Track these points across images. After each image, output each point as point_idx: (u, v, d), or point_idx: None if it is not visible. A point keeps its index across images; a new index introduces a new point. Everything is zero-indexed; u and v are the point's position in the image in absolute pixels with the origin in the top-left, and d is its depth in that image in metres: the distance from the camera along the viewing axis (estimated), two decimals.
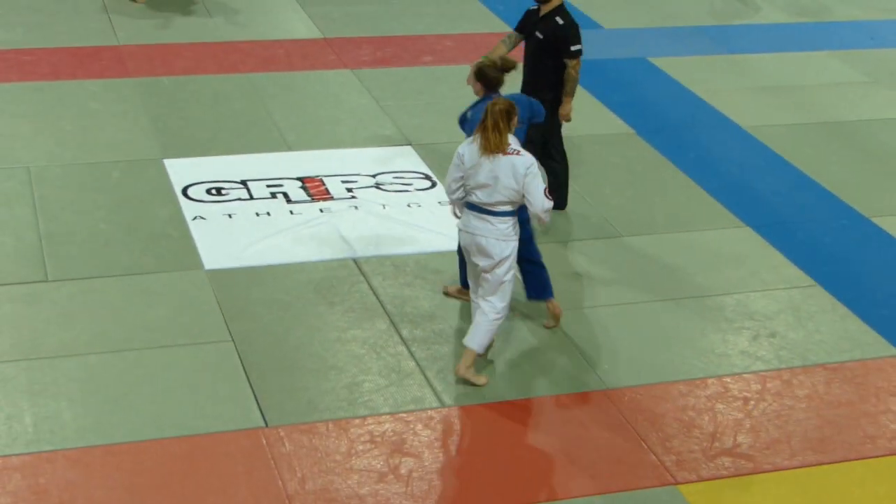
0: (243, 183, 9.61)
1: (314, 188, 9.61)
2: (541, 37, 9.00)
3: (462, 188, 7.25)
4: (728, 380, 7.64)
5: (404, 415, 7.10)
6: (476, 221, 7.23)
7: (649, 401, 7.37)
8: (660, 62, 12.71)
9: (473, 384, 7.39)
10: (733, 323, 8.25)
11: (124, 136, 10.25)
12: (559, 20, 8.97)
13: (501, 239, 7.22)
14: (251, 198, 9.41)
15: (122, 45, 12.17)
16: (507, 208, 7.19)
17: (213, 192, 9.45)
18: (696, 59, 12.93)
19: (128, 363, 7.37)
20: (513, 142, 7.20)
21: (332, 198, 9.50)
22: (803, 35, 13.94)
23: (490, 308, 7.32)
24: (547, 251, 8.85)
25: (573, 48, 8.96)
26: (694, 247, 9.18)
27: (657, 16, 14.18)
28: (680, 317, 8.27)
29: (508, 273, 7.30)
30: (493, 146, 7.07)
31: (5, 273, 8.19)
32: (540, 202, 7.09)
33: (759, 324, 8.25)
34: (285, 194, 9.50)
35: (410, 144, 10.41)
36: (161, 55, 11.98)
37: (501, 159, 7.08)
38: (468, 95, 9.82)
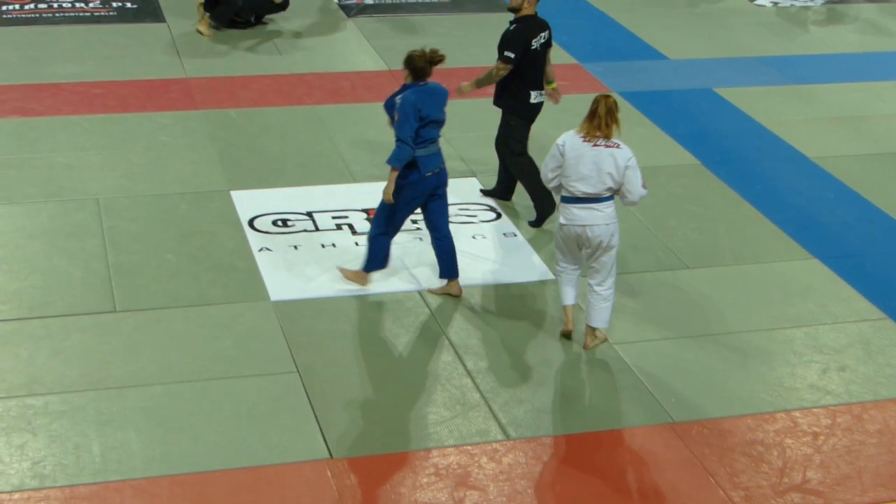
0: (309, 214, 9.66)
1: None
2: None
3: (558, 178, 7.74)
4: (797, 414, 7.53)
5: (469, 447, 7.08)
6: (581, 212, 7.70)
7: (717, 435, 7.29)
8: (725, 93, 12.63)
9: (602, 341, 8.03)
10: (802, 356, 8.14)
11: (192, 168, 10.35)
12: (511, 26, 9.50)
13: (610, 223, 7.72)
14: (317, 229, 9.45)
15: (190, 77, 12.31)
16: (608, 194, 7.69)
17: (279, 223, 9.51)
18: (762, 89, 12.83)
19: (194, 394, 7.42)
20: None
21: None
22: (871, 65, 13.81)
23: (605, 290, 7.86)
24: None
25: (504, 52, 9.40)
26: (761, 279, 9.08)
27: (722, 46, 14.11)
28: (748, 350, 8.17)
29: (615, 254, 7.84)
30: (599, 131, 7.60)
31: (75, 304, 8.29)
32: (637, 194, 7.68)
33: (829, 357, 8.14)
34: (350, 226, 9.53)
35: (475, 176, 10.41)
36: (228, 88, 12.10)
37: (603, 151, 7.60)
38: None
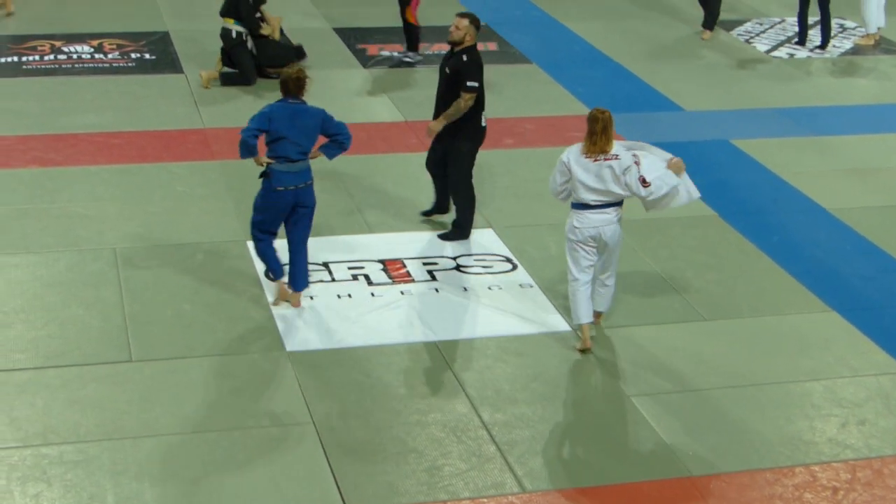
0: (325, 265, 9.66)
1: (395, 270, 9.64)
2: (448, 71, 9.88)
3: (566, 190, 8.44)
4: (816, 468, 7.47)
5: (485, 500, 7.03)
6: (594, 216, 8.39)
7: (735, 489, 7.23)
8: (742, 144, 12.63)
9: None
10: (821, 410, 8.08)
11: (209, 219, 10.38)
12: (464, 57, 9.79)
13: (618, 224, 8.44)
14: (332, 280, 9.45)
15: (208, 128, 12.38)
16: (618, 200, 8.41)
17: None
18: (779, 140, 12.84)
19: (209, 444, 7.40)
20: (615, 146, 8.34)
21: (413, 280, 9.51)
22: (887, 116, 13.79)
23: (611, 280, 8.71)
24: (628, 335, 8.79)
25: (469, 83, 9.73)
26: (779, 331, 9.04)
27: (738, 97, 14.13)
28: (766, 403, 8.12)
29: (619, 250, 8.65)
30: (598, 148, 8.26)
31: (91, 353, 8.29)
32: (637, 192, 8.33)
33: (848, 411, 8.08)
34: (367, 276, 9.53)
35: (491, 227, 10.41)
36: None
37: (603, 164, 8.28)
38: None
